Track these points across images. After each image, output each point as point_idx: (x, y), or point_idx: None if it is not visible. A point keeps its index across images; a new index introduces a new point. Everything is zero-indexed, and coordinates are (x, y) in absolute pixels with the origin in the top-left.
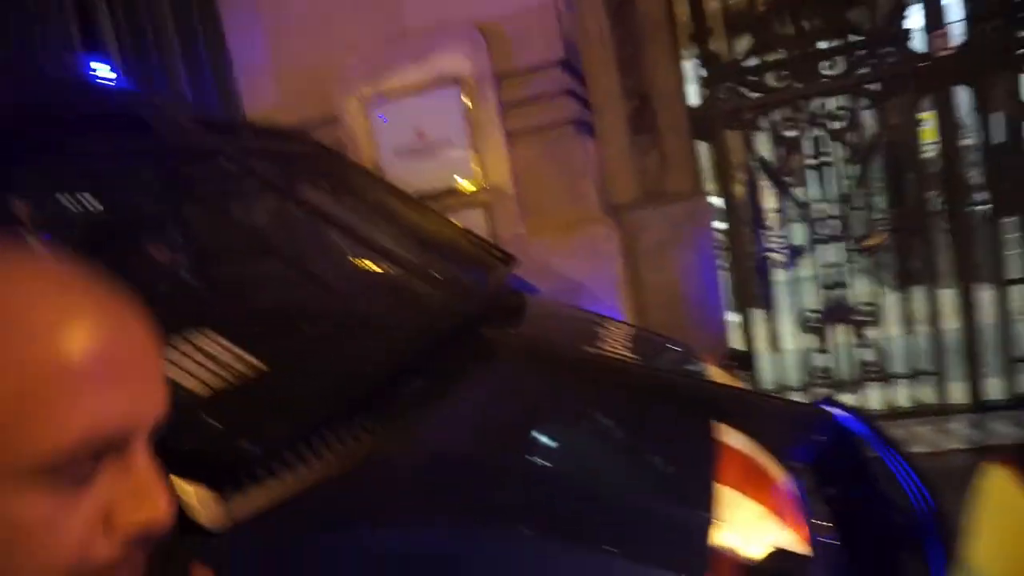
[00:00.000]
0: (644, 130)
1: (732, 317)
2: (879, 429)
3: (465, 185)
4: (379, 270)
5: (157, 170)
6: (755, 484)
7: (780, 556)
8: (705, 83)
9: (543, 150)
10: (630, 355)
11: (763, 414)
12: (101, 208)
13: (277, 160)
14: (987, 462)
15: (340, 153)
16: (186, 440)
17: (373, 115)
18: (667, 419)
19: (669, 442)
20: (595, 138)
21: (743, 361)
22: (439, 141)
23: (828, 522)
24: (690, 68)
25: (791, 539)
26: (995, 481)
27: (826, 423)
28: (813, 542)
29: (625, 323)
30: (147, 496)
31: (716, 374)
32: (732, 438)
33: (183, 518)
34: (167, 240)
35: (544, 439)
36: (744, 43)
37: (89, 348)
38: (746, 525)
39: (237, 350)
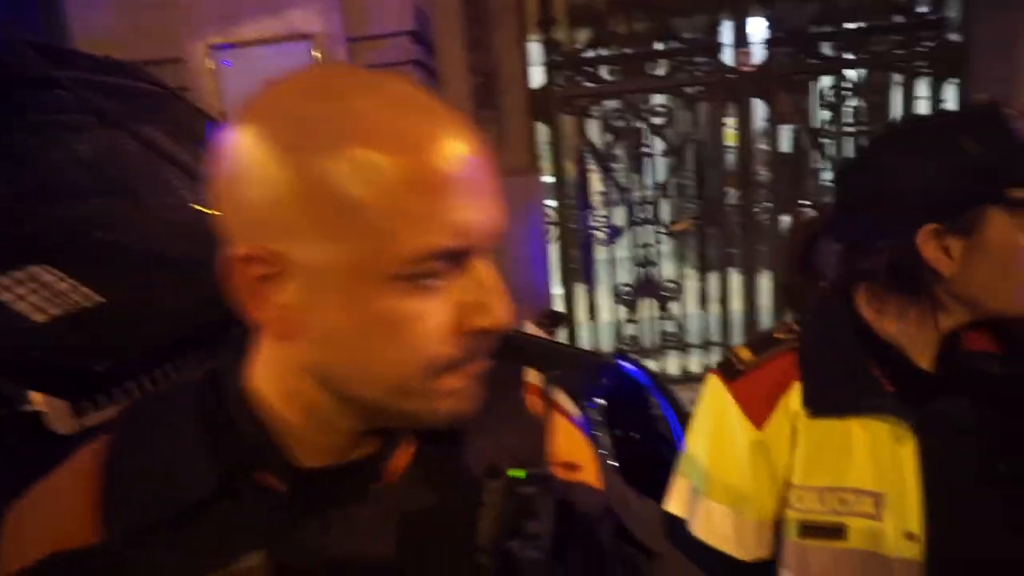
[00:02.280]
0: (487, 106)
1: (557, 288)
2: (657, 379)
3: None
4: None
5: None
6: (558, 419)
7: None
8: (547, 68)
9: None
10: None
11: (564, 362)
12: None
13: (118, 95)
14: (709, 373)
15: (183, 96)
16: (43, 357)
17: (219, 62)
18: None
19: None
20: None
21: (558, 321)
22: None
23: (609, 449)
24: (535, 52)
25: None
26: (709, 386)
27: (614, 372)
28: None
29: None
30: (487, 303)
31: (531, 330)
32: (536, 379)
33: (39, 424)
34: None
35: None
36: (584, 35)
37: (444, 171)
38: None
39: (79, 282)
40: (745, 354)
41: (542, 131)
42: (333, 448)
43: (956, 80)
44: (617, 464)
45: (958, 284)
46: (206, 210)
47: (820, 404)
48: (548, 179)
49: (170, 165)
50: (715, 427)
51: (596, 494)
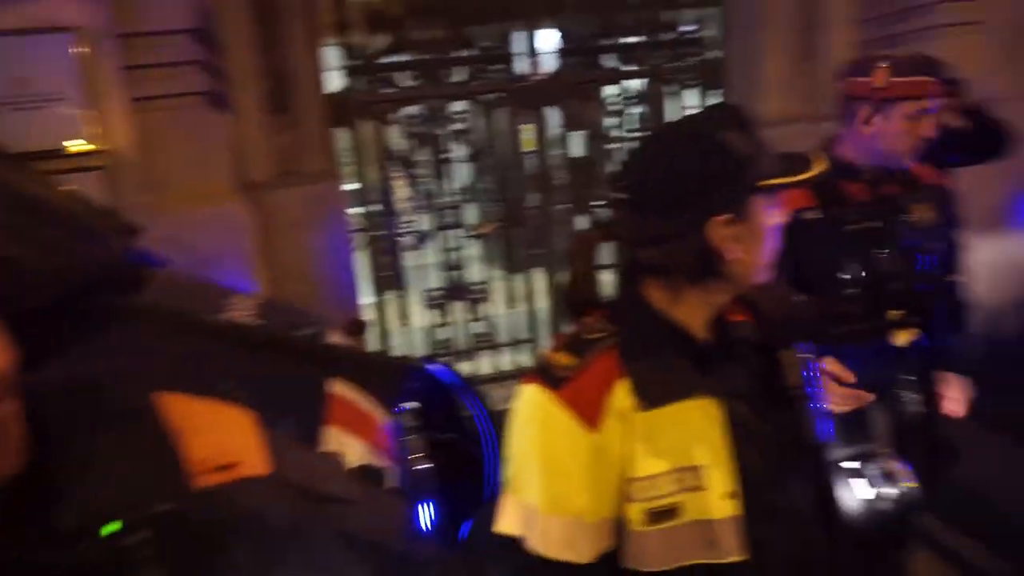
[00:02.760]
0: (282, 110)
1: (367, 296)
2: (465, 380)
3: (79, 147)
4: None
5: None
6: (359, 425)
7: (367, 470)
8: (345, 72)
9: (172, 119)
10: (255, 321)
11: (371, 369)
12: None
13: None
14: (521, 381)
15: None
16: None
17: None
18: (285, 375)
19: (285, 393)
20: (231, 113)
21: (363, 329)
22: (44, 94)
23: (424, 453)
24: (333, 55)
25: (383, 462)
26: (530, 397)
27: (423, 375)
28: (402, 464)
29: (254, 295)
30: None
31: (338, 339)
32: (342, 389)
33: None
34: None
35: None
36: (382, 41)
37: None
38: (348, 453)
39: None
40: (564, 359)
41: (342, 137)
42: None
43: (719, 90)
44: (433, 466)
45: (738, 265)
46: None
47: (648, 397)
48: (351, 186)
49: None
50: (545, 438)
51: (258, 482)
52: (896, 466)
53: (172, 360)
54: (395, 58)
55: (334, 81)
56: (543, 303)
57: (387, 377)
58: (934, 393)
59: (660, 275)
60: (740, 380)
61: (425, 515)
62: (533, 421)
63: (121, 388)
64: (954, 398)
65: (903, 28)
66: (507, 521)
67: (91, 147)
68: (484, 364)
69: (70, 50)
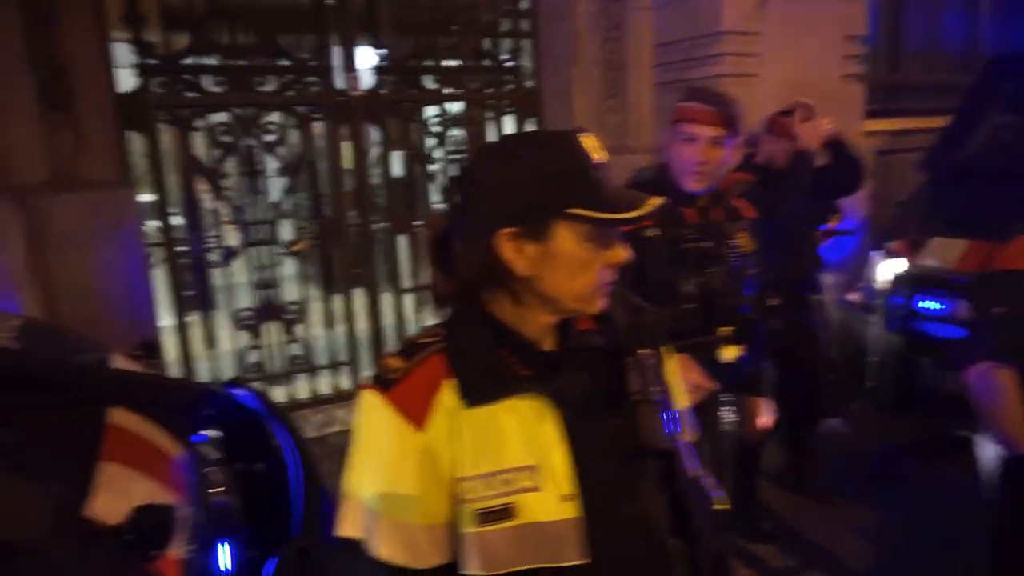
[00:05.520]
0: (59, 107)
1: (166, 317)
2: (272, 405)
3: None
4: None
5: None
6: (143, 459)
7: (148, 510)
8: (139, 72)
9: None
10: (13, 346)
11: (160, 395)
12: None
13: None
14: (360, 389)
15: None
16: None
17: None
18: (53, 410)
19: (52, 431)
20: None
21: (154, 352)
22: None
23: (224, 487)
24: (124, 51)
25: (170, 498)
26: (364, 402)
27: (225, 402)
28: (195, 499)
29: (15, 316)
30: None
31: (123, 364)
32: (125, 420)
33: None
34: None
35: None
36: (181, 40)
37: None
38: (125, 493)
39: None
40: (395, 362)
41: (136, 141)
42: None
43: (535, 119)
44: (235, 499)
45: (537, 283)
46: None
47: (471, 395)
48: (147, 197)
49: None
50: (377, 441)
51: None
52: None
53: None
54: (199, 60)
55: (126, 80)
56: (363, 324)
57: (181, 405)
58: (747, 409)
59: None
60: (579, 384)
61: (224, 555)
62: (367, 423)
63: None
64: (762, 416)
65: (691, 75)
66: (348, 524)
67: None
68: (301, 388)
69: None
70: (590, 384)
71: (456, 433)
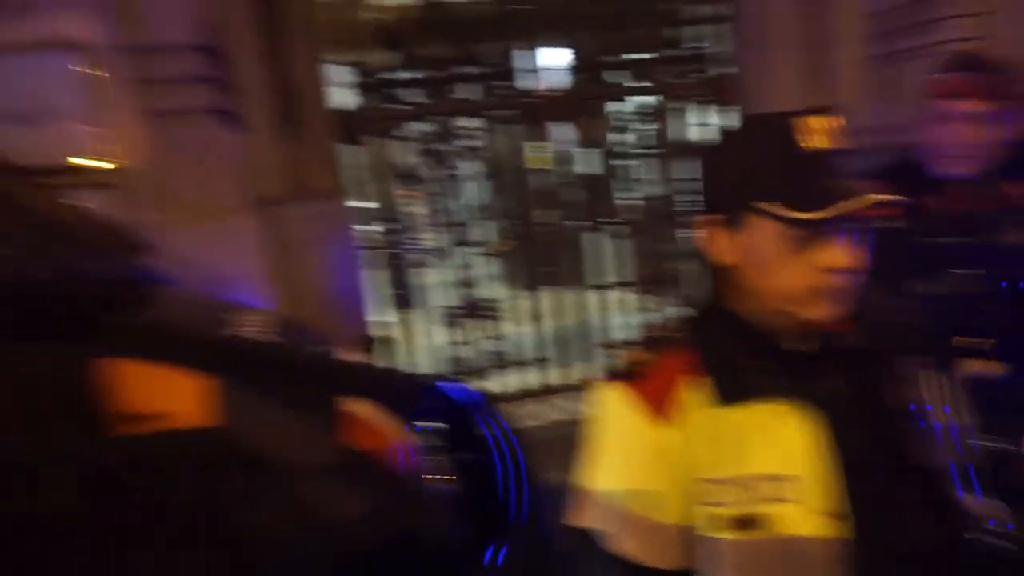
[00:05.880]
0: (291, 126)
1: (381, 314)
2: (487, 398)
3: (88, 163)
4: None
5: None
6: (375, 443)
7: None
8: (355, 89)
9: (182, 134)
10: (267, 339)
11: (386, 387)
12: None
13: None
14: (598, 380)
15: None
16: None
17: None
18: (298, 391)
19: (298, 411)
20: (241, 129)
21: (380, 346)
22: (52, 109)
23: (449, 474)
24: (340, 72)
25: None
26: (604, 394)
27: (442, 394)
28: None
29: (266, 311)
30: None
31: (351, 356)
32: (356, 407)
33: None
34: None
35: None
36: (391, 57)
37: None
38: None
39: None
40: (638, 356)
41: (350, 154)
42: None
43: (736, 108)
44: (462, 488)
45: (744, 277)
46: None
47: (721, 393)
48: (362, 204)
49: None
50: (618, 434)
51: (191, 433)
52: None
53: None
54: (403, 75)
55: (346, 98)
56: (559, 321)
57: (403, 395)
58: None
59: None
60: (837, 390)
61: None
62: (606, 416)
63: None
64: None
65: (909, 44)
66: (583, 515)
67: (99, 163)
68: (499, 383)
69: (76, 65)
70: (847, 390)
71: (699, 432)
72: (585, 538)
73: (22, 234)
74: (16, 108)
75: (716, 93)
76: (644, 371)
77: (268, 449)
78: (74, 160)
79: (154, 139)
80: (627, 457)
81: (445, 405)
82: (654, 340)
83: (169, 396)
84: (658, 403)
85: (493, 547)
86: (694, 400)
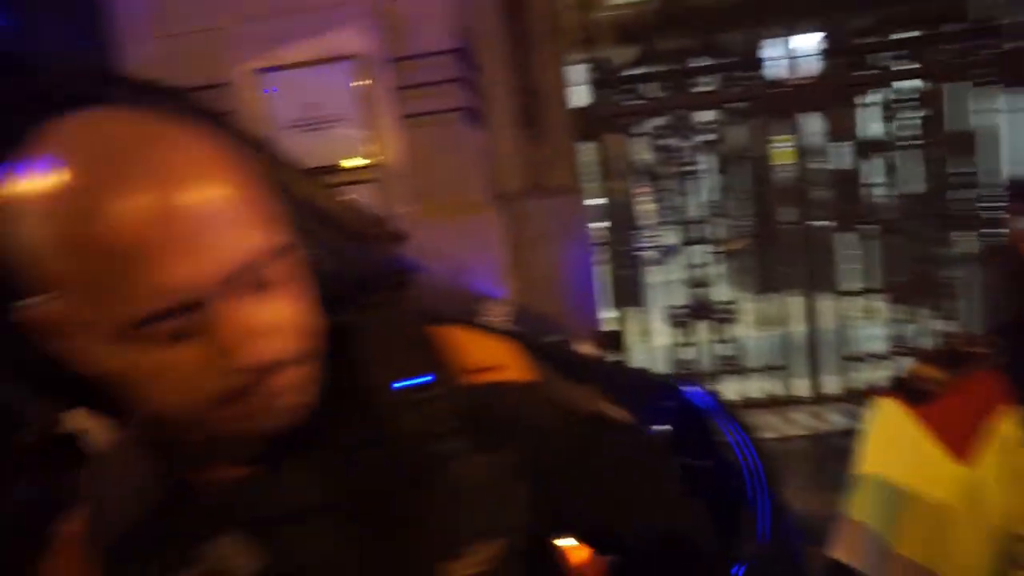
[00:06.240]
0: (531, 125)
1: (608, 310)
2: (724, 403)
3: (355, 162)
4: None
5: (24, 115)
6: None
7: None
8: (591, 86)
9: (435, 134)
10: (512, 327)
11: (622, 382)
12: None
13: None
14: (875, 395)
15: (227, 119)
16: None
17: (262, 85)
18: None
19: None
20: (485, 128)
21: (612, 342)
22: (330, 117)
23: (691, 480)
24: (579, 71)
25: None
26: (887, 413)
27: (677, 394)
28: None
29: (507, 301)
30: (237, 347)
31: (586, 349)
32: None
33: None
34: None
35: None
36: (629, 53)
37: (128, 237)
38: None
39: None
40: (932, 372)
41: (587, 151)
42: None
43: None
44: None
45: None
46: None
47: None
48: (597, 199)
49: None
50: (899, 463)
51: (527, 387)
52: None
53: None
54: (642, 70)
55: (582, 96)
56: (798, 327)
57: (638, 392)
58: None
59: None
60: None
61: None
62: (887, 439)
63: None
64: None
65: None
66: (846, 549)
67: (366, 162)
68: (729, 389)
69: (351, 76)
70: None
71: (1014, 475)
72: (841, 573)
73: (317, 230)
74: (303, 117)
75: (1003, 71)
76: (938, 393)
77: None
78: (345, 160)
79: (411, 139)
80: (911, 495)
81: (678, 406)
82: (953, 356)
83: (493, 354)
84: (957, 435)
85: (737, 565)
86: (1009, 434)
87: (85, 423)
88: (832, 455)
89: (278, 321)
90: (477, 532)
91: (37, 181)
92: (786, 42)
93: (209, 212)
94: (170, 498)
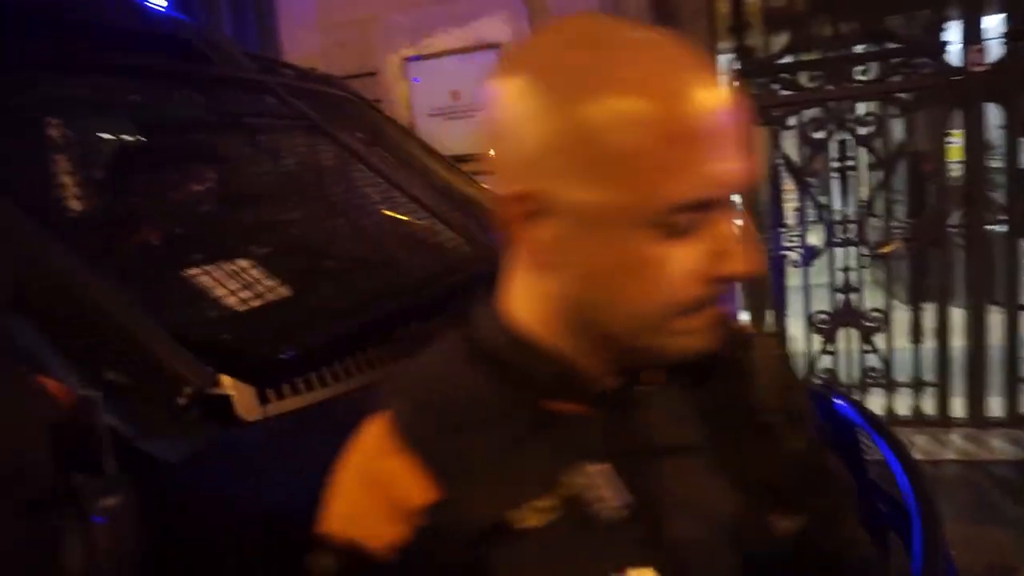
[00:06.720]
0: None
1: (744, 315)
2: (873, 417)
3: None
4: (405, 217)
5: (204, 95)
6: None
7: None
8: (739, 77)
9: None
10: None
11: None
12: (143, 132)
13: (319, 102)
14: None
15: (377, 107)
16: (235, 341)
17: (411, 73)
18: None
19: None
20: None
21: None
22: (474, 105)
23: None
24: (724, 61)
25: None
26: None
27: (824, 403)
28: None
29: None
30: (731, 252)
31: None
32: None
33: (225, 406)
34: (210, 168)
35: None
36: (781, 40)
37: (699, 124)
38: None
39: (272, 277)
40: None
41: None
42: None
43: None
44: None
45: None
46: (393, 215)
47: None
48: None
49: (363, 169)
50: None
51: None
52: None
53: None
54: (797, 57)
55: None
56: (958, 342)
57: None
58: None
59: None
60: None
61: None
62: None
63: None
64: None
65: None
66: None
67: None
68: (874, 404)
69: (493, 63)
70: None
71: None
72: None
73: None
74: (447, 104)
75: None
76: None
77: None
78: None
79: None
80: None
81: (825, 416)
82: None
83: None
84: None
85: None
86: None
87: (232, 389)
88: (994, 485)
89: (752, 237)
90: (795, 502)
91: (630, 87)
92: (967, 24)
93: (740, 122)
94: (529, 424)
